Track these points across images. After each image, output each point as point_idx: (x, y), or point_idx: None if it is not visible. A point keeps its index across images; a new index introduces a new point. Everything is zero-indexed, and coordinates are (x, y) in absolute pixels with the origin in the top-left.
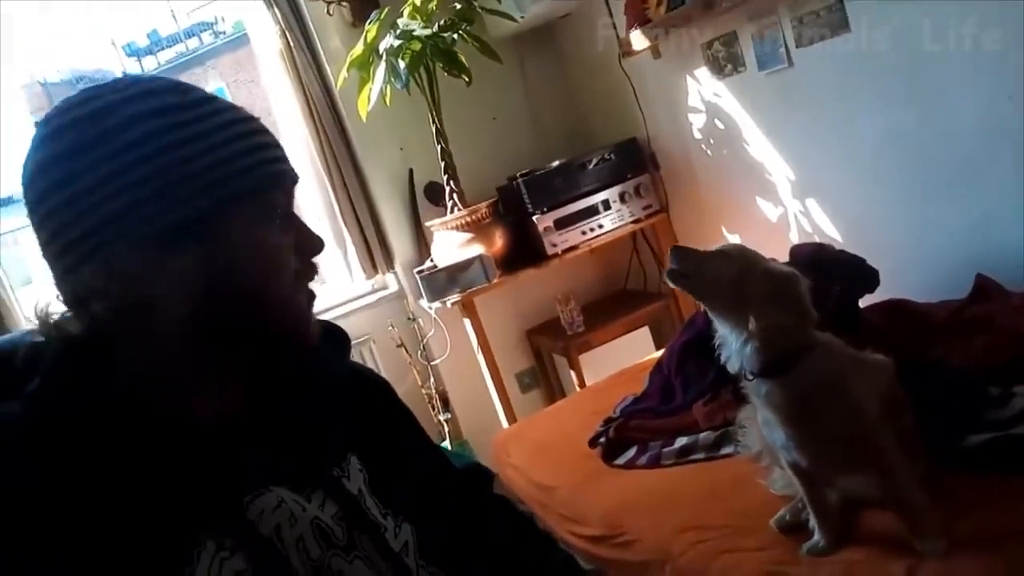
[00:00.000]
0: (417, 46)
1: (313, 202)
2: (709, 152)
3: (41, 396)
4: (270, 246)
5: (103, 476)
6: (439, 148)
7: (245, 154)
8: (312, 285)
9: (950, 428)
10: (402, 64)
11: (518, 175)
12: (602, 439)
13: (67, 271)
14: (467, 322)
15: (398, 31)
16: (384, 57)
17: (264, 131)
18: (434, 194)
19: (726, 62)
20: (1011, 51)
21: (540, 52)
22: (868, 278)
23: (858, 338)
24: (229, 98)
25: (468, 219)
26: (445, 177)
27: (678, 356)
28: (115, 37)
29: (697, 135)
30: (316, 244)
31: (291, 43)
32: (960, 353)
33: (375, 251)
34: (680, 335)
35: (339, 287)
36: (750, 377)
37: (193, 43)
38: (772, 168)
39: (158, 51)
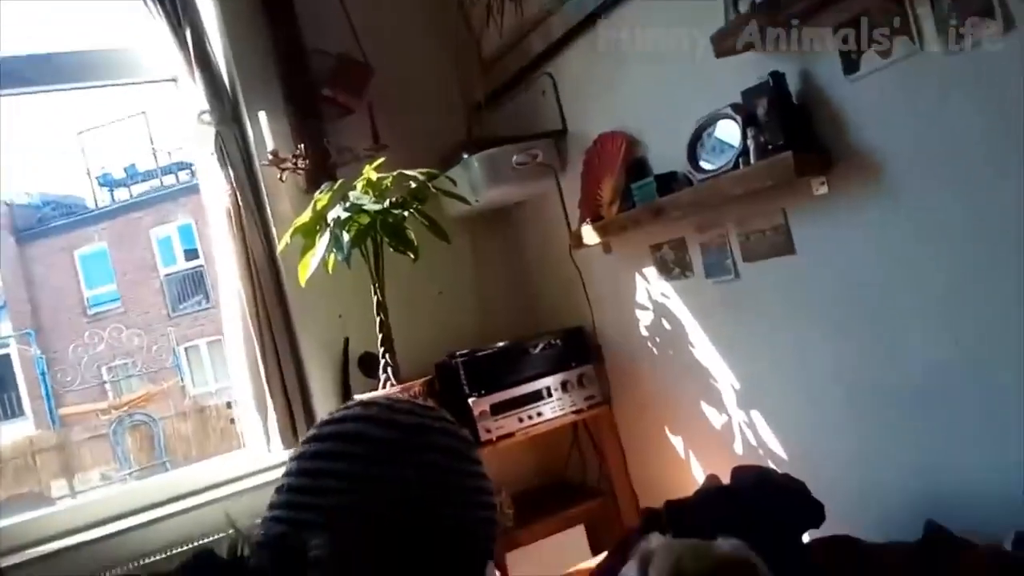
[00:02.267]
0: (365, 220)
1: (239, 361)
2: (655, 351)
3: None
4: None
5: None
6: (378, 320)
7: (487, 523)
8: None
9: None
10: (346, 237)
11: (457, 354)
12: None
13: (302, 524)
14: None
15: (348, 203)
16: (330, 227)
17: (496, 505)
18: (368, 366)
19: (674, 266)
20: (957, 292)
21: (493, 233)
22: (814, 512)
23: None
24: (196, 236)
25: (400, 396)
26: (381, 350)
27: None
28: (90, 165)
29: (644, 332)
30: None
31: (240, 202)
32: None
33: (298, 420)
34: (610, 558)
35: (255, 455)
36: None
37: (169, 180)
38: (717, 375)
39: (132, 184)
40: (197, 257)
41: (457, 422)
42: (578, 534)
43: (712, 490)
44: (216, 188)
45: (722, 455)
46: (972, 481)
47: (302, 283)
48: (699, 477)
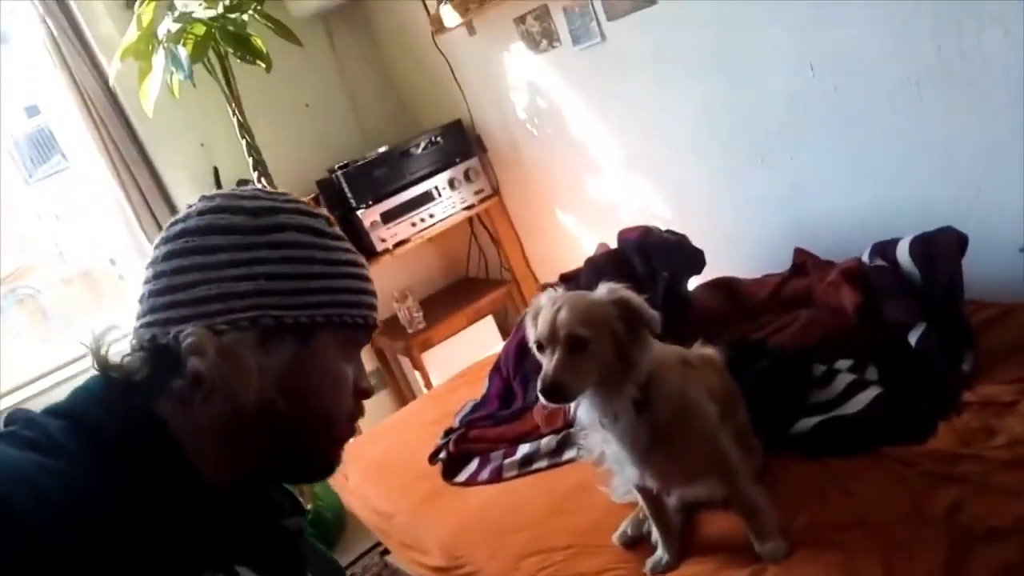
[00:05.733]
0: (200, 30)
1: (108, 213)
2: (535, 132)
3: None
4: (344, 375)
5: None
6: (244, 142)
7: (359, 292)
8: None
9: (779, 414)
10: (183, 52)
11: (337, 167)
12: (442, 454)
13: (169, 321)
14: None
15: (176, 13)
16: (163, 44)
17: (371, 279)
18: None
19: (541, 37)
20: (809, 22)
21: (351, 30)
22: (694, 260)
23: (687, 323)
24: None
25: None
26: (255, 174)
27: (515, 355)
28: None
29: (521, 114)
30: (370, 388)
31: (54, 31)
32: (783, 331)
33: None
34: (515, 332)
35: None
36: (603, 424)
37: None
38: (597, 145)
39: None
40: (39, 113)
41: (317, 208)
42: (488, 324)
43: (600, 256)
44: (25, 24)
45: (610, 224)
46: (835, 209)
47: (148, 113)
48: (592, 250)
